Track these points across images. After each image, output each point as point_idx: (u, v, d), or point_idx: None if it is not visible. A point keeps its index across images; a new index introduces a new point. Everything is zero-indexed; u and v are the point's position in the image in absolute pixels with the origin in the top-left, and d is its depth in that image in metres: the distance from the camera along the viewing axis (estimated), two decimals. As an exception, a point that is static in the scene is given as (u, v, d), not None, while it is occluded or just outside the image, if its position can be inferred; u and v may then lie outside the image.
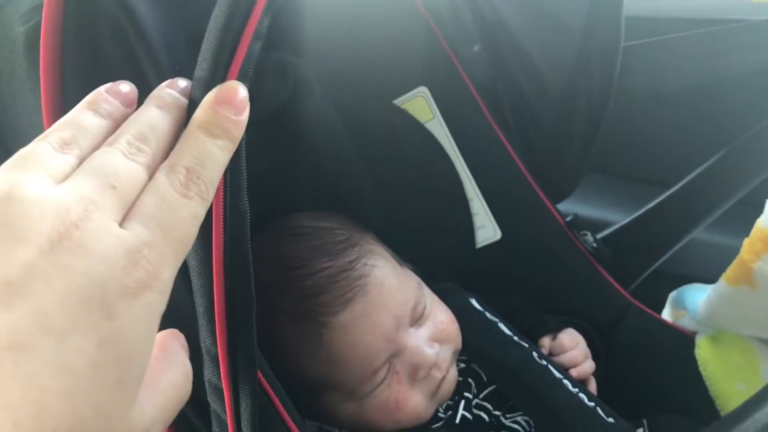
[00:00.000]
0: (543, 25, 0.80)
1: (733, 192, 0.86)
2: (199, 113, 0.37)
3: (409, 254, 0.77)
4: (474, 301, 0.78)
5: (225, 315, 0.41)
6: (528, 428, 0.68)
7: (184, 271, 0.46)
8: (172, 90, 0.39)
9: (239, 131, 0.38)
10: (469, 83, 0.83)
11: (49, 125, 0.43)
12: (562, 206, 0.89)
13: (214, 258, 0.40)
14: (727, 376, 0.74)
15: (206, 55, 0.39)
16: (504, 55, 0.84)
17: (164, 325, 0.47)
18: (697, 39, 0.81)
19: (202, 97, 0.38)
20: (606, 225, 0.95)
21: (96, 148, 0.35)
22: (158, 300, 0.32)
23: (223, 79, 0.39)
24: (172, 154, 0.36)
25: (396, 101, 0.83)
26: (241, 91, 0.38)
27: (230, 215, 0.40)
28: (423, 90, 0.83)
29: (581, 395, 0.69)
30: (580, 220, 0.85)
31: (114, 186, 0.32)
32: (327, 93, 0.75)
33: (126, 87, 0.39)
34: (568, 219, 0.86)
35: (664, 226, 0.90)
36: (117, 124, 0.37)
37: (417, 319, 0.67)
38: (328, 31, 0.73)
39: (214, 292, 0.41)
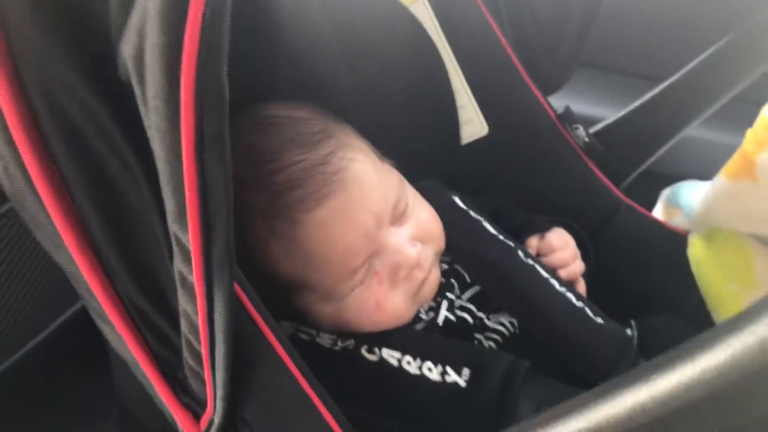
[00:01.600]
0: None
1: (731, 85, 0.84)
2: None
3: (390, 150, 0.73)
4: (457, 200, 0.75)
5: (198, 208, 0.37)
6: (513, 329, 0.67)
7: (127, 164, 0.42)
8: None
9: None
10: (458, -37, 0.77)
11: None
12: (552, 101, 0.85)
13: (184, 143, 0.35)
14: (719, 276, 0.73)
15: None
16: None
17: (101, 206, 0.43)
18: None
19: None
20: (598, 121, 0.91)
21: None
22: None
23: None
24: None
25: (377, -18, 0.76)
26: None
27: (205, 93, 0.34)
28: (407, -31, 0.76)
29: (568, 295, 0.67)
30: (573, 114, 0.81)
31: None
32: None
33: None
34: (560, 112, 0.82)
35: (658, 121, 0.88)
36: None
37: (398, 218, 0.65)
38: None
39: (185, 182, 0.36)
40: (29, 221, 0.46)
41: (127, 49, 0.36)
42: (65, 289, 0.98)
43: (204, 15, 0.32)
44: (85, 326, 0.99)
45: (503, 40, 0.80)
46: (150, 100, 0.35)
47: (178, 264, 0.41)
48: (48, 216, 0.43)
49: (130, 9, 0.36)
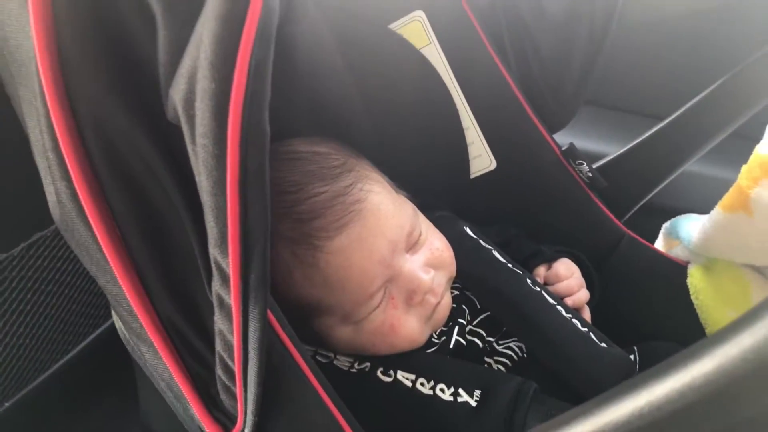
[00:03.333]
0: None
1: (728, 123, 0.86)
2: None
3: (403, 183, 0.76)
4: (468, 229, 0.78)
5: (239, 236, 0.40)
6: (521, 354, 0.69)
7: (170, 195, 0.45)
8: None
9: None
10: (467, 7, 0.81)
11: (41, 51, 0.41)
12: (556, 138, 0.87)
13: (229, 178, 0.38)
14: (718, 304, 0.75)
15: None
16: (503, -24, 0.82)
17: (146, 235, 0.46)
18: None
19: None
20: (601, 157, 0.94)
21: None
22: None
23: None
24: None
25: (392, 26, 0.80)
26: None
27: (250, 134, 0.37)
28: (419, 14, 0.80)
29: (574, 321, 0.69)
30: (576, 150, 0.84)
31: None
32: (321, 16, 0.73)
33: None
34: (564, 148, 0.85)
35: (658, 157, 0.90)
36: None
37: (412, 245, 0.67)
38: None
39: (228, 213, 0.39)
40: (76, 247, 0.49)
41: (176, 92, 0.40)
42: (86, 316, 1.02)
43: (250, 66, 0.36)
44: (105, 351, 1.02)
45: (510, 80, 0.83)
46: (198, 138, 0.38)
47: (216, 287, 0.44)
48: (97, 242, 0.46)
49: (179, 58, 0.40)
